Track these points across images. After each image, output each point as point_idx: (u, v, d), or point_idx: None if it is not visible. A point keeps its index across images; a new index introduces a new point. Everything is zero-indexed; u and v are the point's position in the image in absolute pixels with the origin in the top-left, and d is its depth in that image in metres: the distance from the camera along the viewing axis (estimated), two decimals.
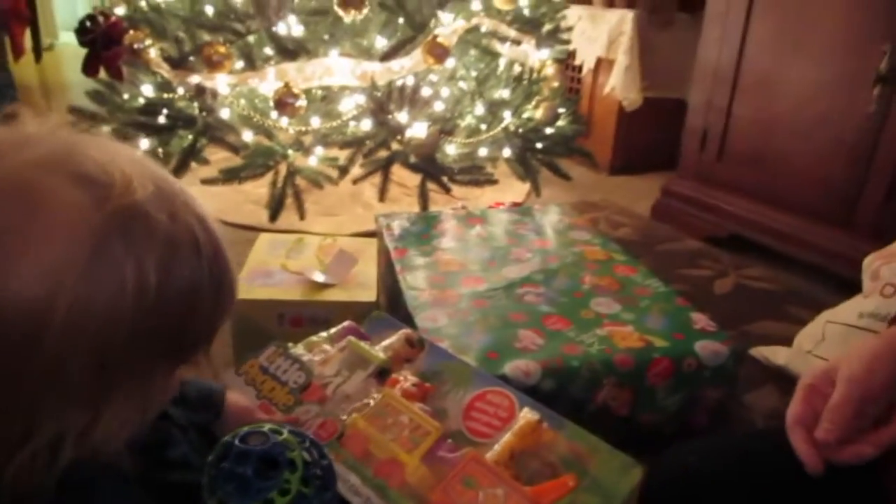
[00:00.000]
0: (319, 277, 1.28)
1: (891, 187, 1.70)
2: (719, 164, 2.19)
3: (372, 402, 0.70)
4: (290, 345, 0.81)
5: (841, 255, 1.71)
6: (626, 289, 1.26)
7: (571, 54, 2.91)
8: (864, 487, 0.60)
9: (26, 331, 0.40)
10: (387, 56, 1.84)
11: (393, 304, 1.32)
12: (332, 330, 0.87)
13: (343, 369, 0.76)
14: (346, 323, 0.88)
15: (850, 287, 1.45)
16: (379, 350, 0.80)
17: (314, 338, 0.85)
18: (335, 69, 1.83)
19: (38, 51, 2.87)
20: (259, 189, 2.04)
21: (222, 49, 1.70)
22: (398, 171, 1.98)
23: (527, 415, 0.70)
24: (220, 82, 1.70)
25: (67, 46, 4.60)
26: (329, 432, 0.68)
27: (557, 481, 0.62)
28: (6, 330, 0.40)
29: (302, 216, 1.84)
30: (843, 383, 0.59)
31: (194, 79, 1.67)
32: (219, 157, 2.06)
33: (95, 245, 0.41)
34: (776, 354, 1.40)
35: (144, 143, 1.78)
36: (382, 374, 0.76)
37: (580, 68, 3.03)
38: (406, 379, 0.75)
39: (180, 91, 1.73)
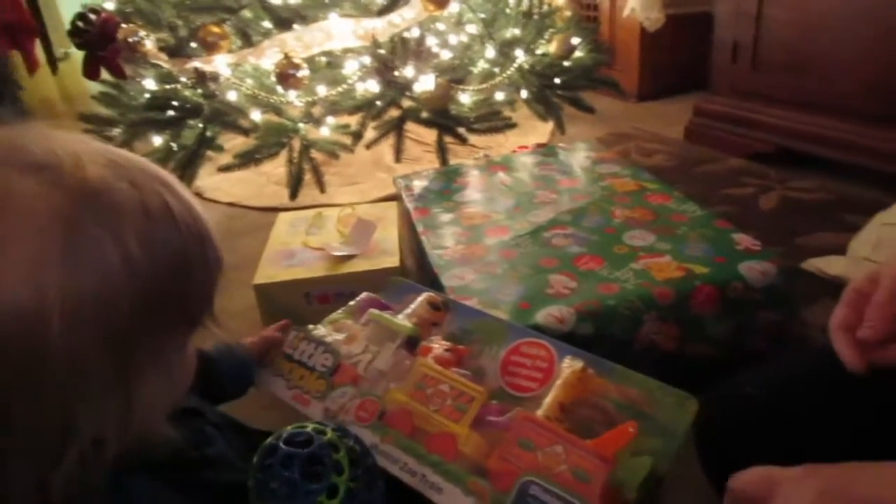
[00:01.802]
0: (341, 250, 1.25)
1: None
2: (754, 75, 2.06)
3: (407, 375, 0.66)
4: (311, 327, 0.77)
5: (893, 155, 1.58)
6: (661, 217, 1.19)
7: None
8: None
9: (28, 340, 0.38)
10: (386, 9, 1.77)
11: (420, 266, 1.28)
12: (352, 303, 0.83)
13: (370, 345, 0.71)
14: (363, 295, 0.84)
15: None
16: (403, 318, 0.76)
17: (335, 315, 0.82)
18: (335, 32, 1.76)
19: (52, 62, 2.87)
20: (279, 169, 2.02)
21: (217, 29, 1.66)
22: (416, 129, 1.92)
23: (570, 363, 0.66)
24: (220, 64, 1.66)
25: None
26: (370, 413, 0.64)
27: (618, 430, 0.58)
28: (8, 345, 0.38)
29: (322, 189, 1.81)
30: (887, 280, 0.54)
31: (193, 64, 1.64)
32: (237, 143, 2.04)
33: (65, 228, 0.39)
34: (831, 265, 1.31)
35: (157, 139, 1.76)
36: (412, 344, 0.72)
37: None
38: (438, 345, 0.71)
39: (183, 80, 1.70)
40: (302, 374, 0.71)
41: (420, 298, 0.80)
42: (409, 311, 0.78)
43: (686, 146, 2.24)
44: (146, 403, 0.44)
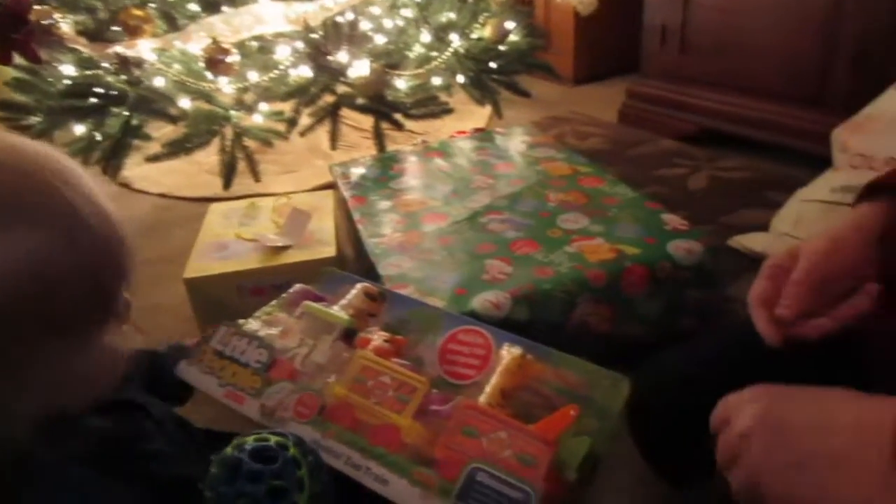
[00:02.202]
0: (275, 241, 1.22)
1: (857, 62, 1.63)
2: (683, 59, 2.11)
3: (346, 368, 0.65)
4: (242, 321, 0.75)
5: (815, 134, 1.65)
6: (594, 200, 1.21)
7: None
8: (847, 365, 0.57)
9: None
10: None
11: (358, 255, 1.27)
12: (284, 295, 0.82)
13: (306, 338, 0.70)
14: (296, 286, 0.83)
15: (826, 165, 1.41)
16: (339, 310, 0.75)
17: (267, 308, 0.80)
18: (266, 16, 1.71)
19: None
20: (212, 157, 1.95)
21: (139, 12, 1.59)
22: (352, 115, 1.89)
23: (509, 350, 0.67)
24: (144, 49, 1.59)
25: None
26: (310, 408, 0.63)
27: (560, 413, 0.59)
28: None
29: (256, 178, 1.76)
30: (804, 259, 0.57)
31: (115, 49, 1.56)
32: (166, 131, 1.97)
33: None
34: (754, 241, 1.36)
35: (79, 128, 1.68)
36: (349, 336, 0.71)
37: None
38: (377, 336, 0.71)
39: (104, 65, 1.62)
40: (235, 371, 0.68)
41: (356, 289, 0.79)
42: (344, 302, 0.78)
43: (620, 129, 2.29)
44: (44, 392, 0.45)
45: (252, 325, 0.75)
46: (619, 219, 1.14)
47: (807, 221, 1.28)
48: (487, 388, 0.63)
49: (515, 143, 1.60)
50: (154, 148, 1.72)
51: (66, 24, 1.55)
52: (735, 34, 1.92)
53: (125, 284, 0.52)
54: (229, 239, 1.27)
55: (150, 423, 0.58)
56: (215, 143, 1.73)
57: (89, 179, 0.49)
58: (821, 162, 1.43)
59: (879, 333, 0.58)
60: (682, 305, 1.07)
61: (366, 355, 0.65)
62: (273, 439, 0.50)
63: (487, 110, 2.22)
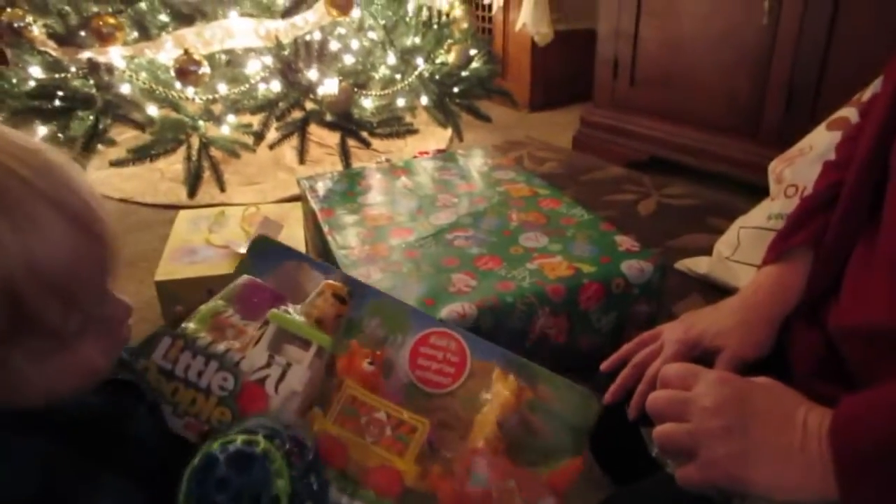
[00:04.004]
0: (245, 248, 1.25)
1: (789, 98, 1.78)
2: (632, 90, 2.24)
3: (331, 396, 0.59)
4: (185, 325, 0.61)
5: (751, 164, 1.79)
6: (552, 221, 1.29)
7: None
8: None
9: None
10: (288, 12, 1.78)
11: None
12: (230, 287, 0.66)
13: (275, 354, 0.59)
14: (243, 278, 0.66)
15: (763, 193, 1.53)
16: (303, 314, 0.63)
17: (211, 305, 0.63)
18: (236, 31, 1.75)
19: None
20: (175, 165, 1.97)
21: (112, 20, 1.61)
22: (317, 132, 1.93)
23: (505, 378, 0.63)
24: (115, 56, 1.61)
25: None
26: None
27: (569, 463, 0.59)
28: None
29: (222, 188, 1.79)
30: (667, 348, 0.73)
31: (85, 55, 1.57)
32: (127, 137, 1.97)
33: None
34: (699, 264, 1.47)
35: (42, 129, 1.68)
36: (323, 355, 0.62)
37: (489, 7, 3.00)
38: (358, 355, 0.63)
39: (73, 70, 1.63)
40: (193, 398, 0.57)
41: (321, 287, 0.66)
42: (309, 301, 0.65)
43: (574, 154, 2.40)
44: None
45: (197, 330, 0.61)
46: (576, 238, 1.22)
47: (745, 246, 1.40)
48: (481, 423, 0.60)
49: (477, 164, 1.67)
50: (116, 152, 1.73)
51: (35, 28, 1.56)
52: (680, 69, 2.06)
53: (105, 286, 0.48)
54: (199, 245, 1.29)
55: (142, 407, 0.55)
56: (178, 152, 1.75)
57: (71, 168, 0.45)
58: (756, 190, 1.55)
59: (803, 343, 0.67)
60: (633, 319, 1.15)
61: (356, 387, 0.59)
62: (240, 439, 0.47)
63: (448, 133, 2.30)
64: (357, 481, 0.55)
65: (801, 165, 1.37)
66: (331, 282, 0.66)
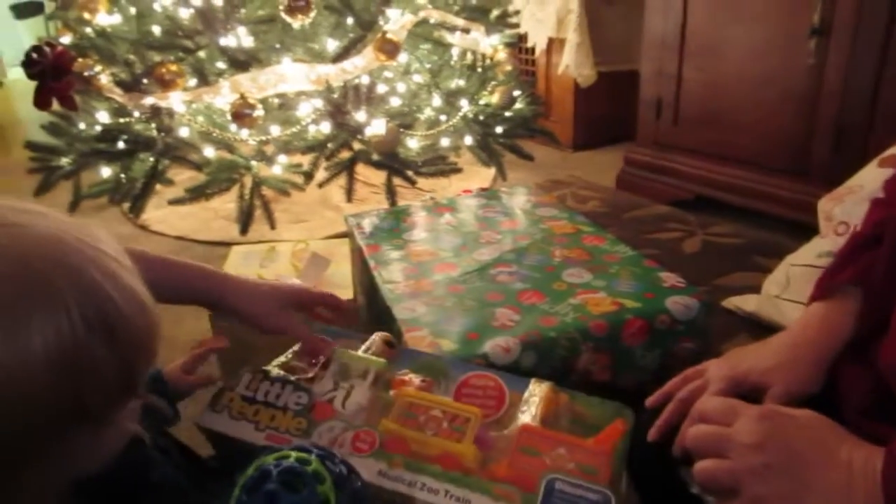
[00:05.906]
0: (295, 283, 1.29)
1: (837, 137, 1.76)
2: (676, 129, 2.24)
3: (391, 406, 0.67)
4: (266, 367, 0.76)
5: (798, 203, 1.77)
6: (596, 257, 1.29)
7: (523, 37, 2.95)
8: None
9: None
10: (339, 57, 1.85)
11: (370, 301, 1.34)
12: (295, 348, 0.81)
13: (340, 381, 0.72)
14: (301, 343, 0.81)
15: (809, 232, 1.50)
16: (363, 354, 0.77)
17: (281, 358, 0.79)
18: (289, 76, 1.84)
19: None
20: (227, 204, 2.05)
21: (174, 67, 1.70)
22: (363, 171, 1.99)
23: (538, 385, 0.72)
24: (175, 101, 1.70)
25: (17, 83, 4.53)
26: (368, 443, 0.64)
27: (611, 427, 0.64)
28: None
29: (272, 226, 1.85)
30: (712, 385, 0.71)
31: (149, 100, 1.67)
32: (184, 178, 2.06)
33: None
34: (747, 302, 1.44)
35: (106, 170, 1.77)
36: (381, 379, 0.73)
37: (532, 50, 3.06)
38: (411, 377, 0.74)
39: (136, 114, 1.73)
40: (273, 415, 0.68)
41: (373, 337, 0.82)
42: (364, 348, 0.80)
43: (617, 193, 2.40)
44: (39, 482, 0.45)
45: (274, 371, 0.75)
46: (619, 275, 1.21)
47: (795, 284, 1.37)
48: (527, 418, 0.67)
49: (519, 201, 1.69)
50: (173, 192, 1.81)
51: (104, 76, 1.66)
52: (724, 108, 2.06)
53: (151, 366, 0.51)
54: (251, 279, 1.34)
55: (155, 454, 0.58)
56: (231, 191, 1.83)
57: (122, 258, 0.48)
58: (802, 229, 1.53)
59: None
60: (677, 357, 1.14)
61: (408, 393, 0.68)
62: (294, 455, 0.49)
63: (491, 171, 2.34)
64: (431, 464, 0.61)
65: (851, 203, 1.34)
66: (380, 332, 0.80)
